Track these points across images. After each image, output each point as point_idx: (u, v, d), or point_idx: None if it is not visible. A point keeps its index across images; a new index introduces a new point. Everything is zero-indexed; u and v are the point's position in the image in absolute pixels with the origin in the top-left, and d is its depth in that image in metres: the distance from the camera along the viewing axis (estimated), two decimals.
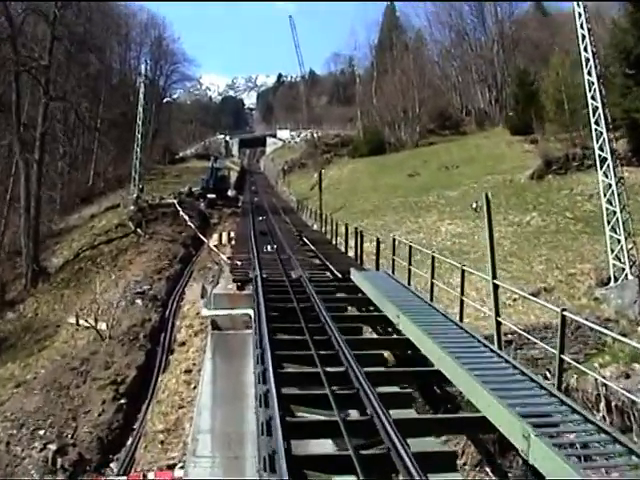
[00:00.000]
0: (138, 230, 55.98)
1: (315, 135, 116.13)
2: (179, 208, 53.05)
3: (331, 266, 26.09)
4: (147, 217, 59.65)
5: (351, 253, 32.39)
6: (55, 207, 76.51)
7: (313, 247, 33.70)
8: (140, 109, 70.20)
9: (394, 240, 23.73)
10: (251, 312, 20.03)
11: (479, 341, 14.39)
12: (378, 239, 25.83)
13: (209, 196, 71.98)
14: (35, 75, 59.18)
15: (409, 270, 21.36)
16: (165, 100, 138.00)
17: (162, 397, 30.44)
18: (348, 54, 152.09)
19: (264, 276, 23.59)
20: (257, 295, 19.88)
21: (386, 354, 16.76)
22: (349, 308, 21.43)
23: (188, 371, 31.73)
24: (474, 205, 39.60)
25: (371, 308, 20.34)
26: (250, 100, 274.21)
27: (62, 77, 71.64)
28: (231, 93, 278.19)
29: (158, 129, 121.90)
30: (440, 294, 28.53)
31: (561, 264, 31.65)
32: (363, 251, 28.22)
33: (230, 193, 79.00)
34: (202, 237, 43.45)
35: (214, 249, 34.88)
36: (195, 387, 29.44)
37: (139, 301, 39.45)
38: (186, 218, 47.94)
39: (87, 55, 79.84)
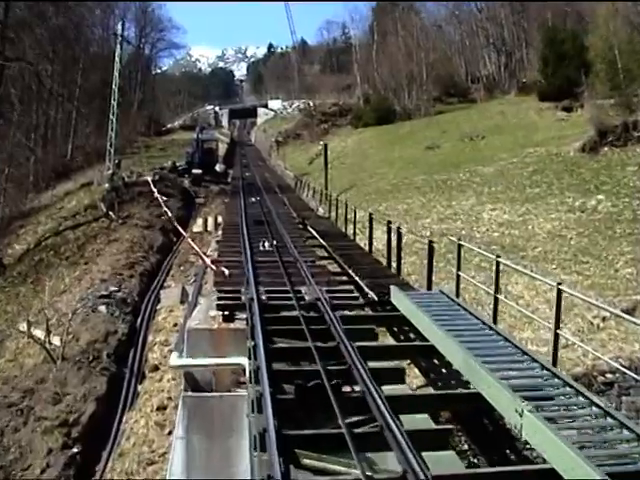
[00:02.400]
0: (110, 213, 47.73)
1: (311, 104, 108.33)
2: (154, 188, 44.68)
3: (358, 279, 18.36)
4: (121, 197, 51.25)
5: (370, 249, 24.87)
6: (27, 184, 68.93)
7: (324, 242, 26.09)
8: (116, 73, 61.64)
9: (459, 246, 15.81)
10: (245, 362, 12.62)
11: None
12: (431, 243, 17.62)
13: (194, 172, 63.27)
14: None
15: (495, 300, 13.56)
16: (154, 73, 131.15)
17: (127, 447, 22.65)
18: (342, 21, 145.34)
19: (263, 298, 16.09)
20: (255, 344, 12.41)
21: None
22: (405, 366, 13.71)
23: (161, 408, 23.85)
24: None
25: (440, 366, 12.71)
26: (240, 72, 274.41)
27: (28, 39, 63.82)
28: (221, 65, 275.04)
29: (144, 99, 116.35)
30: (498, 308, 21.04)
31: None
32: (401, 256, 20.21)
33: (218, 168, 70.50)
34: (180, 229, 35.29)
35: (196, 248, 26.87)
36: (170, 432, 21.81)
37: (103, 307, 31.28)
38: (161, 201, 39.76)
39: (57, 15, 71.63)
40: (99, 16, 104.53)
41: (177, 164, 66.97)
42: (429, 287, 17.41)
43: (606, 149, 37.08)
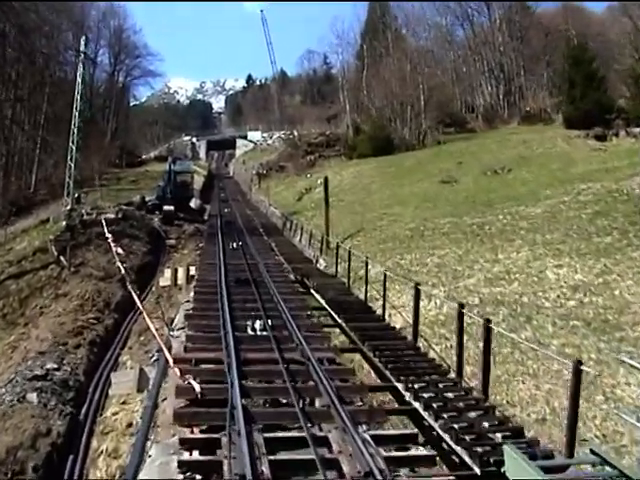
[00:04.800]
0: (61, 259, 39.56)
1: (295, 133, 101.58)
2: (107, 232, 36.54)
3: (424, 411, 10.72)
4: (76, 239, 42.99)
5: (415, 338, 17.18)
6: None
7: (339, 319, 18.38)
8: (77, 96, 54.27)
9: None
10: None
11: None
12: (579, 366, 9.66)
13: (165, 208, 55.03)
14: None
15: None
16: (129, 101, 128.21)
17: None
18: (323, 51, 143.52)
19: (264, 471, 8.53)
20: None
21: None
22: None
23: None
24: None
25: None
26: (218, 104, 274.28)
27: None
28: (199, 97, 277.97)
29: (117, 128, 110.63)
30: (602, 424, 13.49)
31: None
32: (489, 370, 12.23)
33: (193, 204, 62.60)
34: (135, 298, 27.09)
35: (155, 333, 19.27)
36: None
37: (34, 395, 23.18)
38: (114, 251, 31.89)
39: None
40: (71, 41, 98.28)
41: (146, 199, 59.14)
42: (570, 450, 9.53)
43: None
